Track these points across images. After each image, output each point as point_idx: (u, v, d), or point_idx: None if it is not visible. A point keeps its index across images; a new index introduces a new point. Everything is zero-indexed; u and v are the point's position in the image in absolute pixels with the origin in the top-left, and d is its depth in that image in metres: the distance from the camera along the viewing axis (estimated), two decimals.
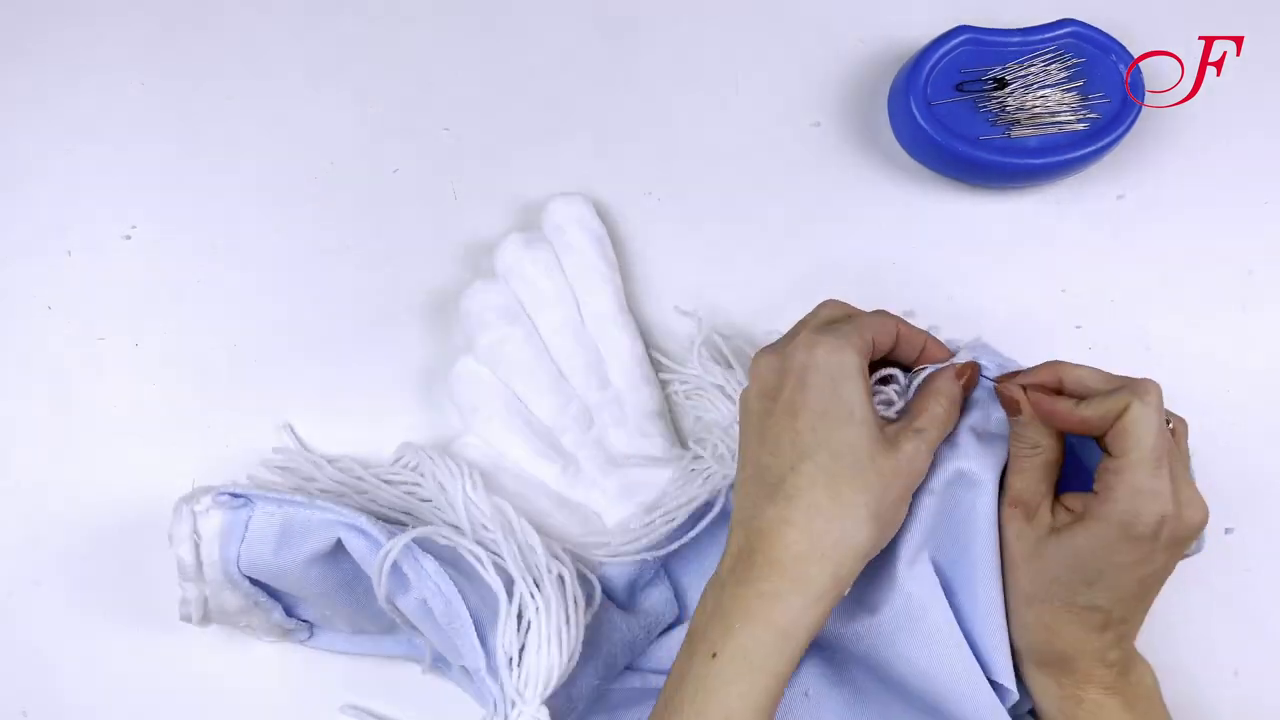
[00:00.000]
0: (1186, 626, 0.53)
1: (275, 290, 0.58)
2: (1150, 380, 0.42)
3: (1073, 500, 0.44)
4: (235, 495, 0.49)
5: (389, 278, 0.58)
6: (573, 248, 0.56)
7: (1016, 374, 0.46)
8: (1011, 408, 0.45)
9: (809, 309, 0.48)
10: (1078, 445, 0.47)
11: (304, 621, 0.54)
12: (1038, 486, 0.45)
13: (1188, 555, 0.43)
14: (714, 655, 0.41)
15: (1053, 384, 0.44)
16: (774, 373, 0.44)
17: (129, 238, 0.58)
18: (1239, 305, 0.57)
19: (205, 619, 0.50)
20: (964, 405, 0.47)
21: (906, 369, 0.48)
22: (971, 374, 0.47)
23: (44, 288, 0.58)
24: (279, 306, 0.58)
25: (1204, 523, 0.42)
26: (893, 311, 0.47)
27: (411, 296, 0.58)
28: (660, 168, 0.59)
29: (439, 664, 0.53)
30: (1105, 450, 0.42)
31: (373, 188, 0.59)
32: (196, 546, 0.48)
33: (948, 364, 0.47)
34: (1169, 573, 0.43)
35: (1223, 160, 0.58)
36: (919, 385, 0.47)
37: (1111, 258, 0.57)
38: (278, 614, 0.51)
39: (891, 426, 0.45)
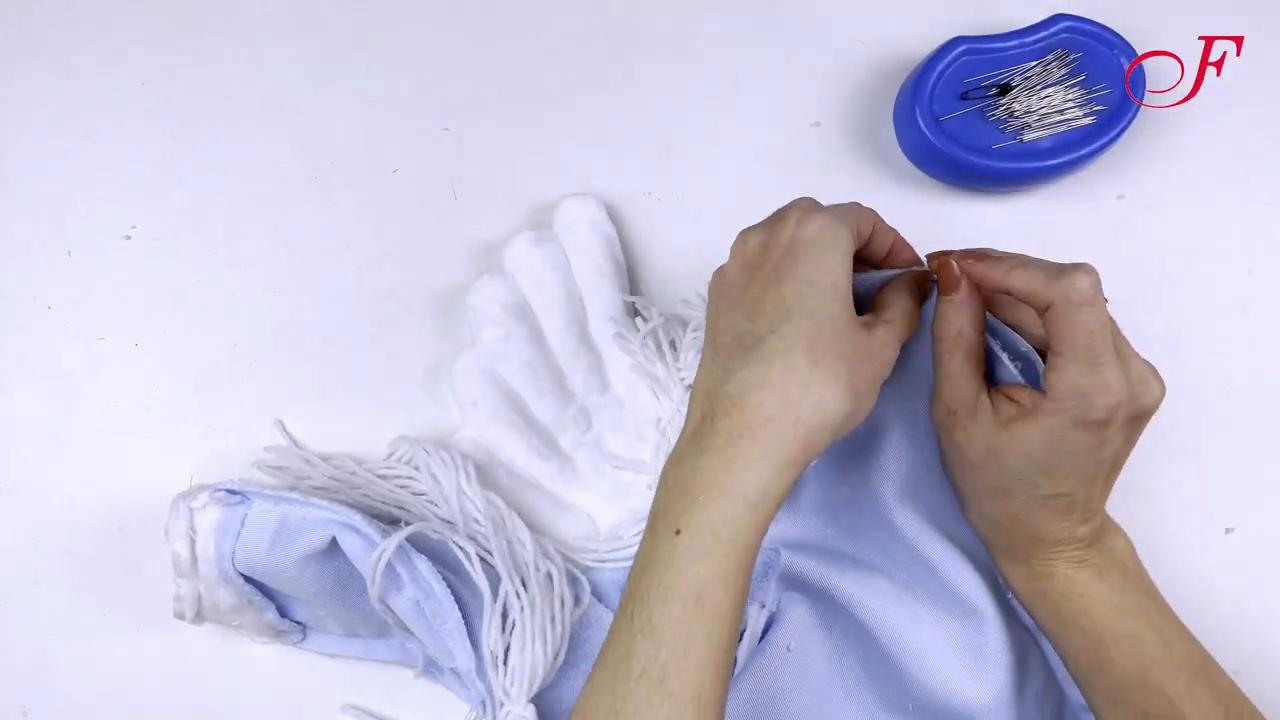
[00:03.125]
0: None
1: (275, 290, 0.58)
2: (1083, 268, 0.40)
3: (1020, 393, 0.43)
4: (232, 492, 0.49)
5: (388, 277, 0.58)
6: (582, 248, 0.56)
7: (948, 253, 0.45)
8: (949, 282, 0.44)
9: None
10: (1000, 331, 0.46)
11: (297, 623, 0.54)
12: (967, 385, 0.44)
13: None
14: (678, 531, 0.38)
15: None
16: (759, 246, 0.43)
17: (129, 238, 0.58)
18: (1239, 305, 0.57)
19: (199, 617, 0.50)
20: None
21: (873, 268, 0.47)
22: (929, 282, 0.46)
23: (44, 288, 0.58)
24: (279, 306, 0.58)
25: (1160, 397, 0.42)
26: None
27: (411, 296, 0.58)
28: (660, 168, 0.59)
29: (431, 669, 0.53)
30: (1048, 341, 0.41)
31: (372, 187, 0.59)
32: (192, 542, 0.48)
33: (914, 270, 0.47)
34: (1132, 446, 0.43)
35: (1223, 160, 0.58)
36: (882, 283, 0.46)
37: (1111, 258, 0.57)
38: (270, 614, 0.51)
39: (862, 316, 0.44)
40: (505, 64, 0.60)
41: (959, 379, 0.44)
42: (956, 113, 0.55)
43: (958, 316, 0.44)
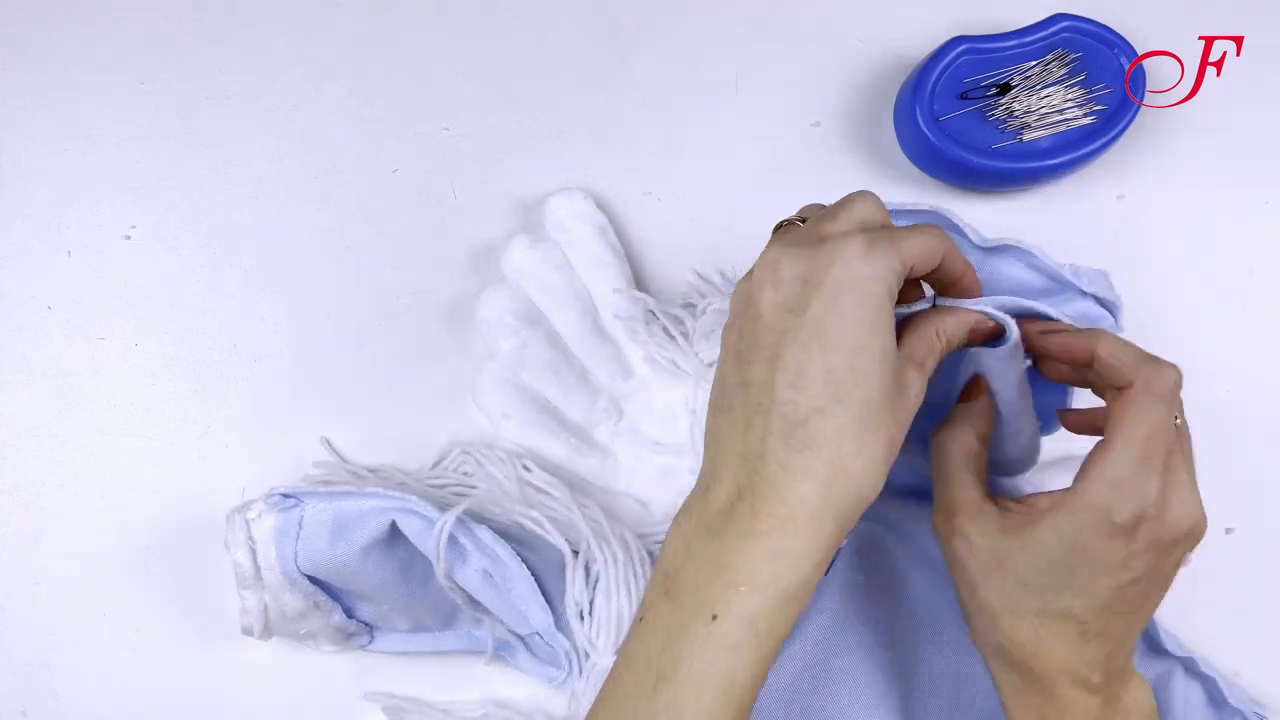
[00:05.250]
0: (1187, 627, 0.53)
1: (275, 290, 0.58)
2: (1174, 367, 0.38)
3: (1033, 499, 0.41)
4: (286, 495, 0.49)
5: (389, 278, 0.58)
6: (577, 242, 0.56)
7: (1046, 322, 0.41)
8: (974, 388, 0.42)
9: None
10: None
11: (363, 624, 0.54)
12: (969, 489, 0.41)
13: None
14: (714, 617, 0.36)
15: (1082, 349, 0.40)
16: (798, 280, 0.37)
17: (129, 238, 0.58)
18: (1239, 305, 0.57)
19: (266, 629, 0.50)
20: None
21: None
22: (984, 332, 0.41)
23: (43, 288, 0.58)
24: (279, 307, 0.58)
25: (1192, 529, 0.38)
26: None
27: (411, 296, 0.58)
28: (659, 168, 0.59)
29: (502, 651, 0.53)
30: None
31: (372, 188, 0.59)
32: (253, 551, 0.49)
33: (964, 310, 0.41)
34: (1157, 589, 0.39)
35: (1223, 160, 0.58)
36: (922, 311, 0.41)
37: (1111, 258, 0.57)
38: (338, 616, 0.52)
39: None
40: (505, 64, 0.60)
41: (959, 483, 0.41)
42: (956, 112, 0.55)
43: (969, 429, 0.41)
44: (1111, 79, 0.55)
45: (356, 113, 0.59)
